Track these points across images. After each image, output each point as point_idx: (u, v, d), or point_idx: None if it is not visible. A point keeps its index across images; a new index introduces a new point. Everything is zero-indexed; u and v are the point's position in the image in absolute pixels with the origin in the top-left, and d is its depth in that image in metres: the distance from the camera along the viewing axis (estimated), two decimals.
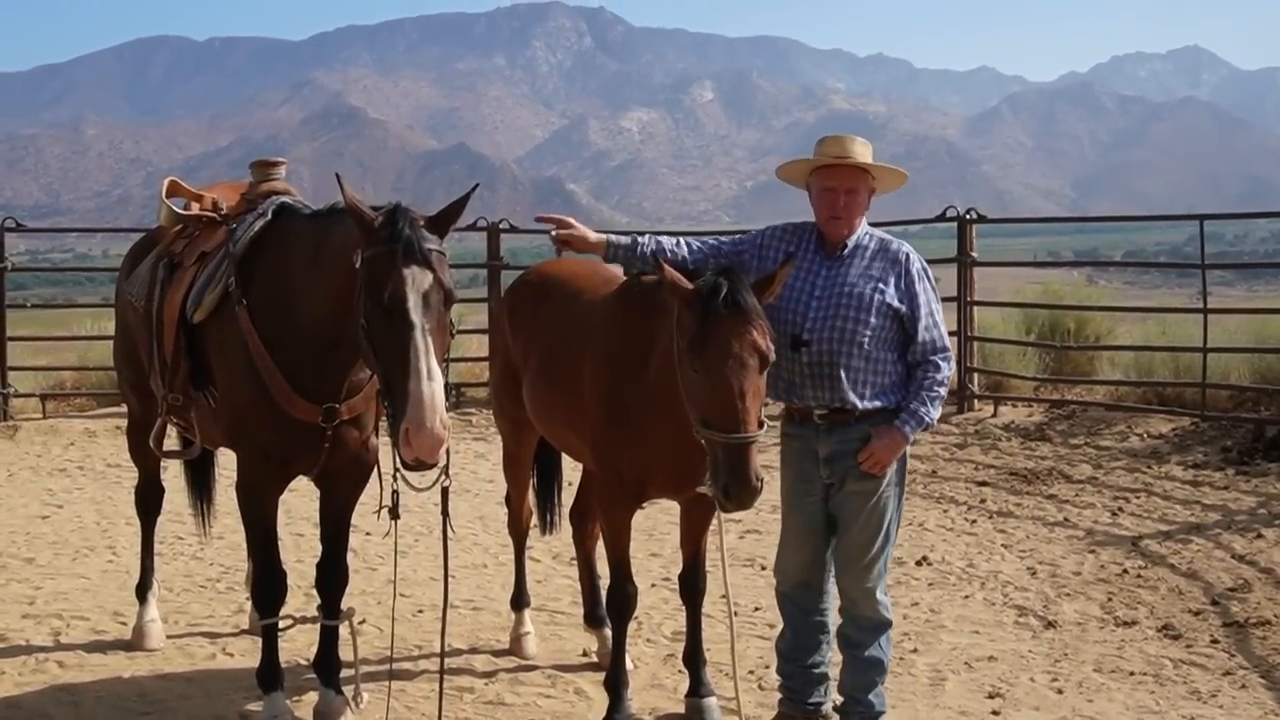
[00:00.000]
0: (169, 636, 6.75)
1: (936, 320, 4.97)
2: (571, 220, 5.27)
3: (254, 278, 5.32)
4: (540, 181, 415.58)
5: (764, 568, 7.91)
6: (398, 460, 4.52)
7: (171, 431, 6.24)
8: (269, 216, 5.48)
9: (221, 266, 5.43)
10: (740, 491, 4.46)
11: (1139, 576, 7.84)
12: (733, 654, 5.30)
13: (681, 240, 5.18)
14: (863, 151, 5.01)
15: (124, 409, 11.46)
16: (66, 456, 12.38)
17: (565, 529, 6.82)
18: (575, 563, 6.93)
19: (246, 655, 6.41)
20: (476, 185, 5.40)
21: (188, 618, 7.18)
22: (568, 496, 6.83)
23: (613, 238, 5.23)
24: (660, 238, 5.21)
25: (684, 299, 4.63)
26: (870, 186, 5.04)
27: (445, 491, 4.93)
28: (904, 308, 4.90)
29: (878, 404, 4.89)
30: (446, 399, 4.46)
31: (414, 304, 4.47)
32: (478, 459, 11.80)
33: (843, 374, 4.84)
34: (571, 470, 6.83)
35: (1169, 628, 6.88)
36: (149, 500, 6.93)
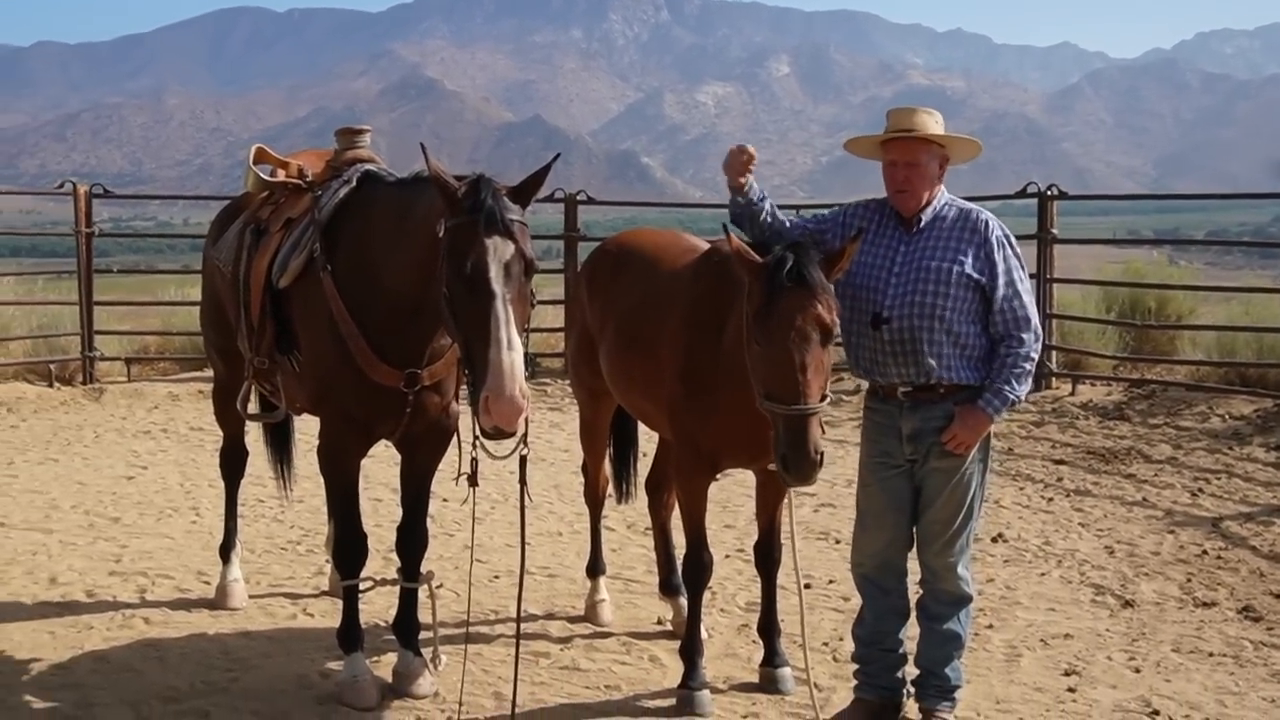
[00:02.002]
0: (251, 596, 6.88)
1: (1018, 290, 4.85)
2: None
3: (339, 244, 5.38)
4: (615, 155, 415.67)
5: (838, 541, 7.92)
6: (477, 428, 4.56)
7: (255, 395, 6.34)
8: (354, 184, 5.53)
9: (307, 233, 5.50)
10: (799, 464, 4.47)
11: (1219, 558, 7.74)
12: (803, 625, 5.31)
13: (779, 213, 5.16)
14: (928, 122, 4.92)
15: (206, 373, 11.69)
16: (151, 419, 12.62)
17: (640, 498, 6.86)
18: (650, 532, 6.97)
19: (327, 616, 6.52)
20: (558, 155, 5.38)
21: (269, 578, 7.31)
22: (643, 466, 6.87)
23: (753, 182, 5.10)
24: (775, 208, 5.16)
25: (752, 272, 4.64)
26: (942, 157, 4.95)
27: (523, 460, 4.95)
28: (983, 278, 4.82)
29: (963, 379, 4.83)
30: (526, 369, 4.49)
31: (495, 274, 4.49)
32: (553, 428, 11.87)
33: (926, 349, 4.79)
34: (647, 440, 6.87)
35: (1249, 609, 6.79)
36: (233, 463, 7.06)
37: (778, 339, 4.51)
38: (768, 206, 5.10)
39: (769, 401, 4.55)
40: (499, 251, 4.53)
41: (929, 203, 4.95)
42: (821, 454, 4.50)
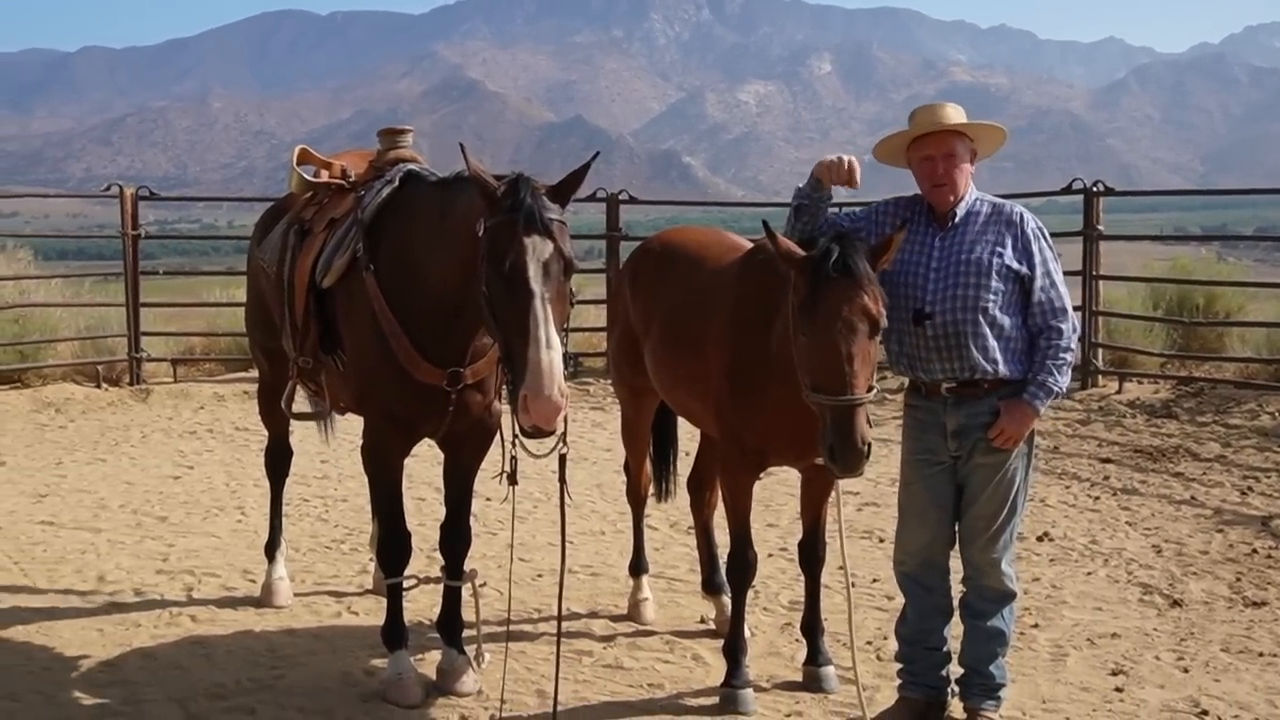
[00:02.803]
0: (296, 594, 6.92)
1: (1054, 281, 4.87)
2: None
3: (381, 244, 5.40)
4: (656, 154, 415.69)
5: (882, 540, 7.88)
6: (516, 427, 4.56)
7: (301, 394, 6.38)
8: (396, 184, 5.55)
9: (350, 233, 5.52)
10: (846, 455, 4.45)
11: (1269, 557, 7.64)
12: (850, 624, 5.28)
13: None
14: (954, 115, 4.94)
15: (252, 373, 11.76)
16: (196, 419, 12.73)
17: (680, 497, 6.85)
18: (692, 531, 6.96)
19: (371, 614, 6.55)
20: (597, 154, 5.39)
21: (314, 577, 7.36)
22: (684, 465, 6.85)
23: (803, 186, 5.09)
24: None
25: (797, 265, 4.62)
26: (971, 149, 4.96)
27: (563, 459, 4.94)
28: (1023, 268, 4.82)
29: (1008, 373, 4.81)
30: (565, 368, 4.49)
31: (534, 273, 4.49)
32: (595, 428, 11.89)
33: (970, 343, 4.78)
34: (688, 439, 6.85)
35: None
36: (278, 462, 7.11)
37: (824, 329, 4.49)
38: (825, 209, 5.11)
39: (816, 393, 4.53)
40: (538, 250, 4.53)
41: (961, 198, 4.94)
42: (869, 445, 4.47)
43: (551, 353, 4.39)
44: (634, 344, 6.15)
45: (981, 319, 4.78)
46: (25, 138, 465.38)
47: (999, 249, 4.83)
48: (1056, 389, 4.83)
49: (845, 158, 4.97)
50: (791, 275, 4.67)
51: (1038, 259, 4.85)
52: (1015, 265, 4.82)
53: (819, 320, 4.50)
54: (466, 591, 5.72)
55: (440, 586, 5.77)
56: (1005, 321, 4.81)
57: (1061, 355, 4.82)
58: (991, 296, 4.78)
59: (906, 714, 5.12)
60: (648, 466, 6.72)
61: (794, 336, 4.67)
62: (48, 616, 6.61)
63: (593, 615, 6.65)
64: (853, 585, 7.04)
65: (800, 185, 5.07)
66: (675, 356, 5.67)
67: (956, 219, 4.92)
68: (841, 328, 4.48)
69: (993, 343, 4.79)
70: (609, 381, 11.97)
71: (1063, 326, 4.84)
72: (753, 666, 5.58)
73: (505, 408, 4.94)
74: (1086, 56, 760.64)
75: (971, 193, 4.98)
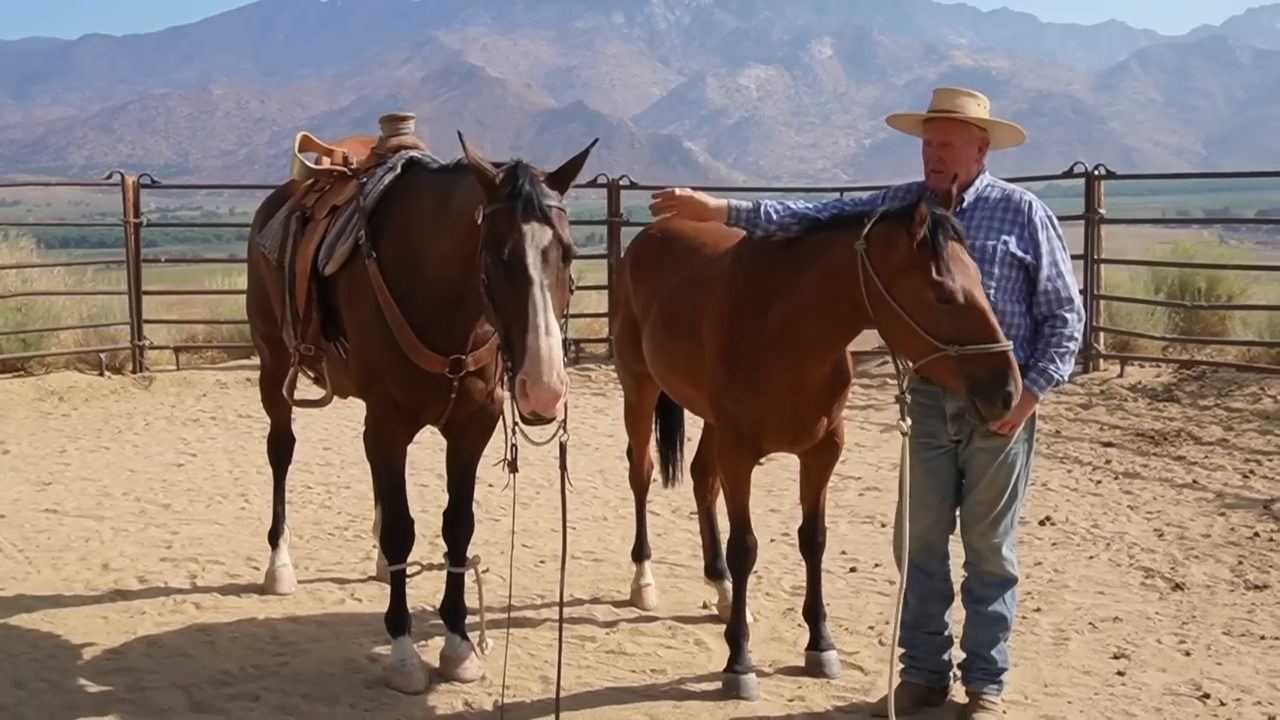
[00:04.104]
0: (299, 581, 6.94)
1: (1061, 270, 4.87)
2: (680, 192, 5.33)
3: (383, 231, 5.40)
4: (657, 140, 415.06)
5: (884, 524, 7.89)
6: (516, 414, 4.57)
7: (303, 381, 6.38)
8: (398, 171, 5.55)
9: (352, 220, 5.53)
10: (1011, 400, 4.45)
11: (1271, 540, 7.65)
12: (896, 611, 5.21)
13: (803, 204, 5.17)
14: (969, 105, 4.92)
15: (253, 361, 11.77)
16: (199, 407, 12.74)
17: (686, 482, 6.85)
18: (695, 516, 6.97)
19: (374, 601, 6.56)
20: (596, 140, 5.38)
21: (317, 564, 7.37)
22: (689, 450, 6.85)
23: (733, 201, 5.22)
24: (786, 200, 5.19)
25: (922, 241, 4.54)
26: (979, 140, 4.95)
27: (563, 446, 4.90)
28: (1028, 257, 4.83)
29: None
30: (565, 354, 4.49)
31: (533, 260, 4.49)
32: (597, 414, 11.89)
33: None
34: (693, 425, 6.86)
35: None
36: (280, 449, 7.11)
37: (964, 288, 4.50)
38: (765, 205, 5.13)
39: (969, 347, 4.47)
40: (536, 237, 4.53)
41: (970, 184, 4.94)
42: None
43: (551, 339, 4.39)
44: (636, 330, 6.15)
45: None
46: (27, 125, 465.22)
47: (1005, 237, 4.84)
48: (1058, 376, 4.83)
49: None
50: (901, 244, 4.58)
51: (1044, 248, 4.85)
52: (1020, 254, 4.82)
53: (960, 280, 4.50)
54: (469, 578, 5.72)
55: (443, 573, 5.79)
56: (1005, 308, 4.81)
57: (1065, 344, 4.83)
58: (992, 284, 4.78)
59: (908, 698, 5.13)
60: (650, 452, 6.72)
61: (921, 305, 4.56)
62: (53, 604, 6.63)
63: (595, 601, 6.67)
64: (853, 570, 7.09)
65: (746, 210, 5.17)
66: (672, 343, 5.67)
67: (965, 204, 4.92)
68: (973, 285, 4.53)
69: None
70: (611, 368, 11.99)
71: (1068, 316, 4.84)
72: (755, 651, 5.59)
73: (507, 394, 4.95)
74: (1088, 39, 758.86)
75: (983, 179, 4.99)
